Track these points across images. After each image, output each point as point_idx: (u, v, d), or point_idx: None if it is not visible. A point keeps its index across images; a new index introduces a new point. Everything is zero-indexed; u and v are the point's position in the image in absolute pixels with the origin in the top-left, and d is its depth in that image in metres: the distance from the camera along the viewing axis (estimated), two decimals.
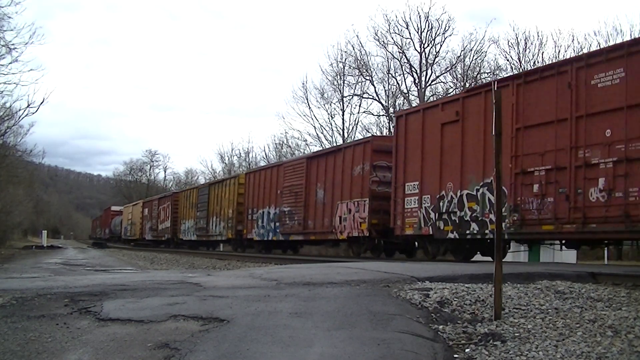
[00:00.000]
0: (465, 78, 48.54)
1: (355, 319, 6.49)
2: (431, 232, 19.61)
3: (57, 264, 26.77)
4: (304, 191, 28.35)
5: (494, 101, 7.73)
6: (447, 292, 8.02)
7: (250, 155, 79.53)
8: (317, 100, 56.79)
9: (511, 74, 27.90)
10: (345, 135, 53.77)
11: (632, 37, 29.31)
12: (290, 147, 62.43)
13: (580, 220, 14.64)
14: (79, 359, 5.32)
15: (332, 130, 54.10)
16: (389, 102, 51.97)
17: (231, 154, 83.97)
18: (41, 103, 41.81)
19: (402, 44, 49.84)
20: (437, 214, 19.25)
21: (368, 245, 24.53)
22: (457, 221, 18.45)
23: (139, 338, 5.84)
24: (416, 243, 23.19)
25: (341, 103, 54.44)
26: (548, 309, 7.32)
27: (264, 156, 72.07)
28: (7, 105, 37.44)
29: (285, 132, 69.45)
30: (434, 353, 5.51)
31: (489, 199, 17.18)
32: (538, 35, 54.94)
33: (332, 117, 55.52)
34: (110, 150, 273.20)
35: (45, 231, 76.34)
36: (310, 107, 57.28)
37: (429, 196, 19.74)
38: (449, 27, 48.77)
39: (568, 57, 31.23)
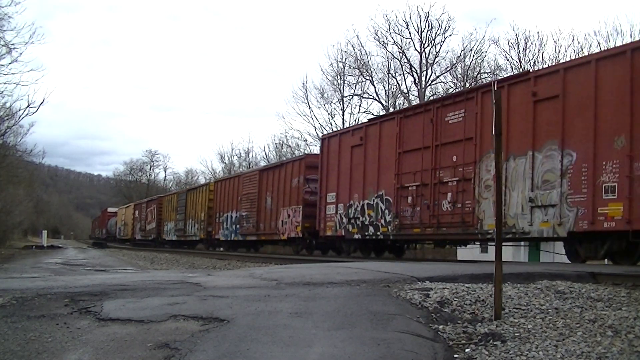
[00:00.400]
0: (465, 78, 48.59)
1: (356, 318, 6.50)
2: (343, 234, 24.97)
3: (57, 264, 26.79)
4: (257, 198, 33.99)
5: (494, 102, 7.72)
6: (447, 292, 8.02)
7: (251, 155, 79.61)
8: (317, 100, 56.92)
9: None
10: None
11: (487, 82, 35.18)
12: (290, 147, 62.46)
13: (436, 225, 20.11)
14: (79, 359, 5.33)
15: (332, 130, 54.18)
16: (389, 102, 52.02)
17: (231, 154, 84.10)
18: (41, 103, 41.92)
19: (402, 43, 49.94)
20: (347, 219, 24.63)
21: (303, 244, 29.58)
22: (360, 225, 23.83)
23: (139, 338, 5.84)
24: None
25: (341, 103, 54.51)
26: (548, 308, 7.32)
27: (264, 156, 72.09)
28: (7, 105, 37.48)
29: (286, 132, 69.64)
30: (434, 353, 5.51)
31: (381, 208, 22.71)
32: (538, 35, 54.92)
33: (332, 117, 55.59)
34: (110, 150, 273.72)
35: (46, 231, 76.34)
36: (310, 107, 57.39)
37: (342, 204, 25.06)
38: (449, 27, 48.87)
39: (432, 98, 38.30)
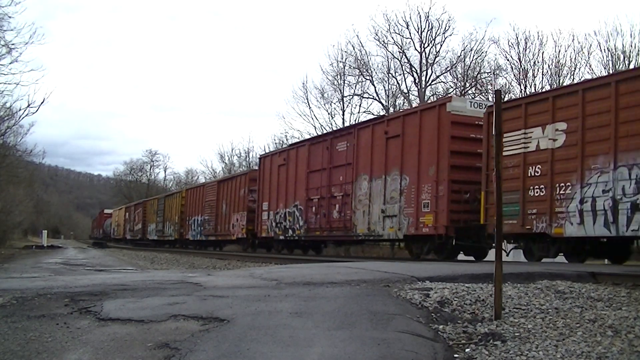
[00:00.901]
0: (465, 78, 48.56)
1: (356, 318, 6.50)
2: (273, 235, 31.31)
3: (57, 264, 26.74)
4: (216, 205, 40.91)
5: (493, 101, 7.73)
6: (448, 291, 8.02)
7: (251, 155, 79.39)
8: (317, 100, 56.81)
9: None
10: None
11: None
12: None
13: (329, 229, 26.11)
14: (79, 359, 5.33)
15: (332, 130, 54.24)
16: (389, 102, 51.98)
17: (231, 154, 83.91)
18: (41, 103, 41.74)
19: (402, 43, 49.86)
20: (275, 223, 30.92)
21: (247, 244, 36.09)
22: (283, 228, 30.02)
23: (139, 338, 5.84)
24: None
25: (341, 103, 54.46)
26: (548, 308, 7.32)
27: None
28: (8, 105, 37.42)
29: (286, 132, 69.38)
30: (434, 353, 5.52)
31: (296, 215, 28.77)
32: (538, 35, 54.77)
33: (332, 117, 55.54)
34: (111, 150, 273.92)
35: (46, 231, 76.26)
36: (310, 107, 57.33)
37: (272, 212, 31.22)
38: (449, 26, 48.75)
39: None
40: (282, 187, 30.29)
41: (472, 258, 21.30)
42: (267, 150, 55.78)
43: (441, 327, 6.48)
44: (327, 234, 26.70)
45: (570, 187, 15.79)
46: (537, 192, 16.75)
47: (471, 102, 21.57)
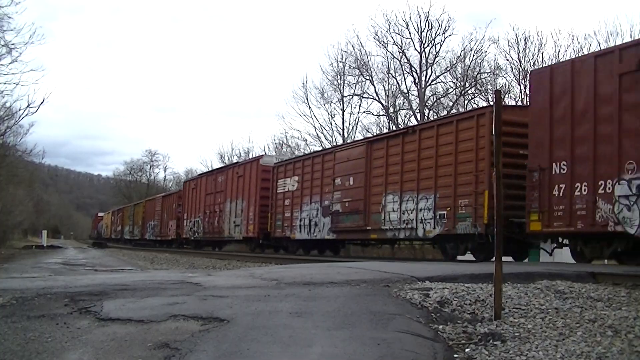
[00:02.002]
0: (465, 78, 48.57)
1: (356, 318, 6.50)
2: (189, 236, 43.79)
3: (57, 264, 26.76)
4: (160, 214, 53.80)
5: (494, 101, 7.72)
6: (447, 291, 8.02)
7: (251, 155, 79.48)
8: (317, 100, 56.83)
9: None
10: (346, 135, 53.74)
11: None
12: (290, 146, 62.34)
13: (211, 232, 37.00)
14: (79, 359, 5.33)
15: (332, 130, 54.15)
16: (389, 102, 51.97)
17: (231, 154, 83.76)
18: (41, 103, 41.79)
19: (402, 43, 49.85)
20: (189, 228, 42.98)
21: (176, 242, 48.09)
22: (192, 232, 42.60)
23: (139, 338, 5.84)
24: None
25: (341, 103, 54.46)
26: (548, 308, 7.32)
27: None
28: (7, 105, 37.39)
29: (285, 132, 69.39)
30: (434, 353, 5.52)
31: (198, 222, 40.52)
32: (538, 36, 54.85)
33: (332, 117, 55.55)
34: (112, 150, 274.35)
35: (46, 231, 76.29)
36: (310, 107, 57.36)
37: (189, 220, 42.75)
38: (449, 26, 48.75)
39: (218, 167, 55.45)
40: (194, 203, 41.91)
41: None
42: (267, 150, 56.19)
43: (441, 327, 6.48)
44: (209, 236, 39.22)
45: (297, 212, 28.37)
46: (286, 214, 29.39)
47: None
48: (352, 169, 24.18)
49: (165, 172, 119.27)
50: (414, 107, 51.62)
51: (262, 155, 38.53)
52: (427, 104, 51.03)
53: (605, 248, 15.50)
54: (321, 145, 52.31)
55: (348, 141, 43.88)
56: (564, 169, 15.42)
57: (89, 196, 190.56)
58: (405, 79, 51.33)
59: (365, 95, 53.16)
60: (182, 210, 45.95)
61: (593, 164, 14.64)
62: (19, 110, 37.49)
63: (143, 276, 11.56)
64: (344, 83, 53.70)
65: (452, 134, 19.36)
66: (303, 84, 74.29)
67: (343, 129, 54.38)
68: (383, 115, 53.11)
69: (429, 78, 50.18)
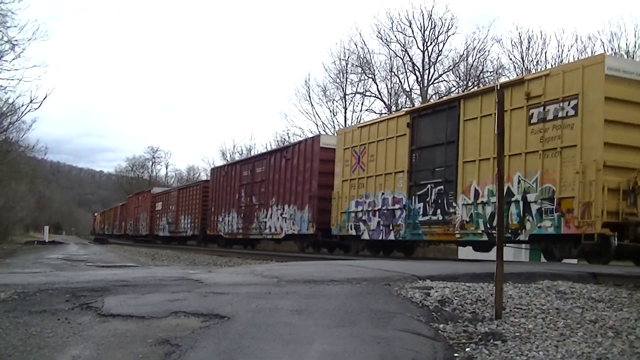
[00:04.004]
0: (467, 77, 48.54)
1: (356, 317, 6.50)
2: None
3: (58, 260, 26.80)
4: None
5: (497, 101, 7.72)
6: (448, 291, 8.01)
7: (252, 152, 79.42)
8: (319, 98, 56.86)
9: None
10: None
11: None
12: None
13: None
14: (80, 354, 5.33)
15: (334, 128, 54.10)
16: (391, 100, 51.98)
17: (233, 151, 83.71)
18: (44, 99, 41.59)
19: (405, 42, 49.89)
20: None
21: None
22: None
23: (140, 334, 5.84)
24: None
25: (343, 101, 54.46)
26: (549, 309, 7.31)
27: None
28: (10, 101, 37.40)
29: (288, 130, 69.28)
30: (434, 352, 5.52)
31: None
32: (541, 35, 54.75)
33: (334, 115, 55.56)
34: (114, 147, 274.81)
35: (47, 227, 76.46)
36: (312, 105, 57.44)
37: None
38: (452, 25, 48.80)
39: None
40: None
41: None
42: (269, 148, 56.07)
43: (442, 326, 6.47)
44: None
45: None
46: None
47: None
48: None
49: (167, 168, 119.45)
50: (417, 106, 51.68)
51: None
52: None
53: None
54: None
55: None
56: None
57: (90, 192, 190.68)
58: (407, 78, 51.37)
59: (367, 94, 53.19)
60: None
61: None
62: (22, 106, 37.48)
63: (144, 272, 11.56)
64: (346, 81, 53.74)
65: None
66: (306, 81, 74.39)
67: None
68: (385, 113, 53.07)
69: (432, 77, 50.21)
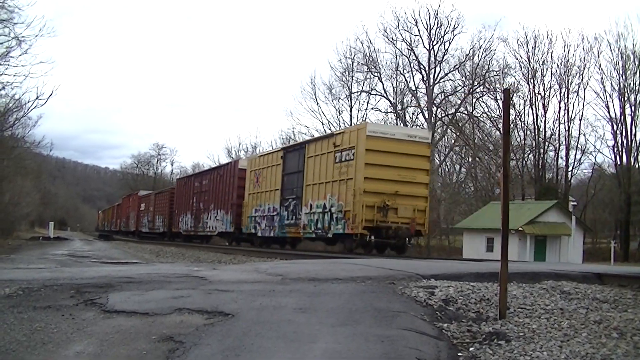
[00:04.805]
0: (473, 76, 48.59)
1: (360, 315, 6.50)
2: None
3: (63, 256, 26.85)
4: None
5: (502, 100, 7.72)
6: (452, 290, 8.01)
7: (258, 150, 79.51)
8: (325, 97, 57.07)
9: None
10: None
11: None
12: (297, 142, 62.46)
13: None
14: (83, 350, 5.34)
15: (340, 126, 54.17)
16: (397, 99, 52.03)
17: (238, 149, 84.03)
18: (50, 95, 42.02)
19: (411, 41, 50.05)
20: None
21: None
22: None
23: (144, 330, 5.85)
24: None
25: (349, 99, 54.58)
26: (553, 309, 7.31)
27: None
28: (17, 97, 37.43)
29: (293, 128, 69.51)
30: (438, 351, 5.51)
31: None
32: (547, 35, 54.84)
33: (340, 113, 55.68)
34: (120, 144, 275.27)
35: (52, 223, 76.44)
36: (318, 103, 57.69)
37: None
38: (458, 24, 48.97)
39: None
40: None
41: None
42: (274, 146, 56.51)
43: (445, 325, 6.47)
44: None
45: None
46: None
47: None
48: None
49: (172, 165, 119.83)
50: (422, 105, 51.62)
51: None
52: (435, 102, 51.02)
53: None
54: None
55: None
56: None
57: (96, 188, 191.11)
58: (413, 76, 51.46)
59: (373, 92, 53.31)
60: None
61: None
62: (28, 102, 37.55)
63: (148, 269, 11.58)
64: (352, 80, 53.84)
65: None
66: (311, 80, 74.65)
67: (351, 126, 54.38)
68: (391, 112, 53.09)
69: (438, 76, 50.28)
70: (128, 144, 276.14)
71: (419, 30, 49.36)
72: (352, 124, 51.39)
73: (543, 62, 46.88)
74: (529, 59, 46.90)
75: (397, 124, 49.26)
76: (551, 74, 53.48)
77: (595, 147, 77.94)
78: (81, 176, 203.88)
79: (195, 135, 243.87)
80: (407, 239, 25.02)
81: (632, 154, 57.99)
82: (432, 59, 49.51)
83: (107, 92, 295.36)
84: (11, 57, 31.05)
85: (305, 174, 28.23)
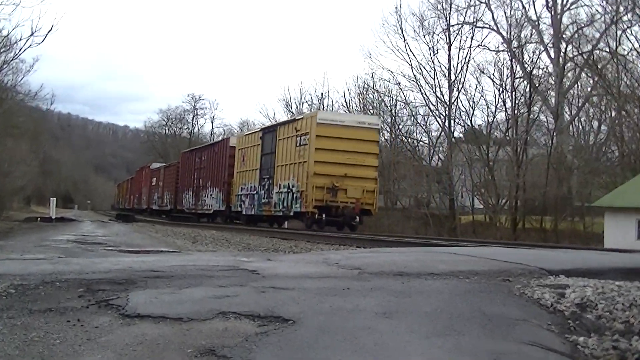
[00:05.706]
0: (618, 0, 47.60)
1: (464, 323, 6.47)
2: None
3: (69, 242, 27.35)
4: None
5: None
6: (590, 291, 7.88)
7: (326, 102, 79.64)
8: (415, 31, 57.11)
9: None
10: (452, 77, 53.26)
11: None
12: (378, 92, 62.30)
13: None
14: None
15: (435, 70, 53.93)
16: (512, 33, 51.39)
17: (300, 101, 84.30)
18: (49, 31, 41.84)
19: None
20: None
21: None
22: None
23: (176, 341, 5.89)
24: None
25: (447, 34, 54.34)
26: None
27: (344, 103, 71.76)
28: (4, 32, 37.43)
29: (373, 73, 69.67)
30: None
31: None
32: None
33: (434, 53, 55.62)
34: (144, 96, 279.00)
35: (54, 199, 77.73)
36: (405, 40, 57.73)
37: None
38: None
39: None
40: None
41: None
42: (347, 96, 59.43)
43: (581, 339, 6.38)
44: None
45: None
46: None
47: None
48: None
49: (212, 123, 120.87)
50: (546, 41, 50.90)
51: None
52: (564, 36, 50.26)
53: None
54: (420, 90, 51.95)
55: (456, 86, 46.23)
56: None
57: (112, 154, 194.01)
58: (534, 2, 50.77)
59: (479, 24, 52.90)
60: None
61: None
62: (20, 40, 37.69)
63: (182, 260, 11.66)
64: (450, 8, 53.71)
65: None
66: (396, 9, 74.89)
67: (449, 69, 54.32)
68: (503, 50, 52.61)
69: (568, 0, 49.41)
70: (153, 95, 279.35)
71: None
72: (451, 67, 51.42)
73: None
74: None
75: (511, 65, 48.72)
76: None
77: None
78: (93, 138, 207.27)
79: (241, 86, 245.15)
80: (357, 217, 38.35)
81: None
82: None
83: (124, 28, 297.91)
84: None
85: (277, 155, 42.52)
